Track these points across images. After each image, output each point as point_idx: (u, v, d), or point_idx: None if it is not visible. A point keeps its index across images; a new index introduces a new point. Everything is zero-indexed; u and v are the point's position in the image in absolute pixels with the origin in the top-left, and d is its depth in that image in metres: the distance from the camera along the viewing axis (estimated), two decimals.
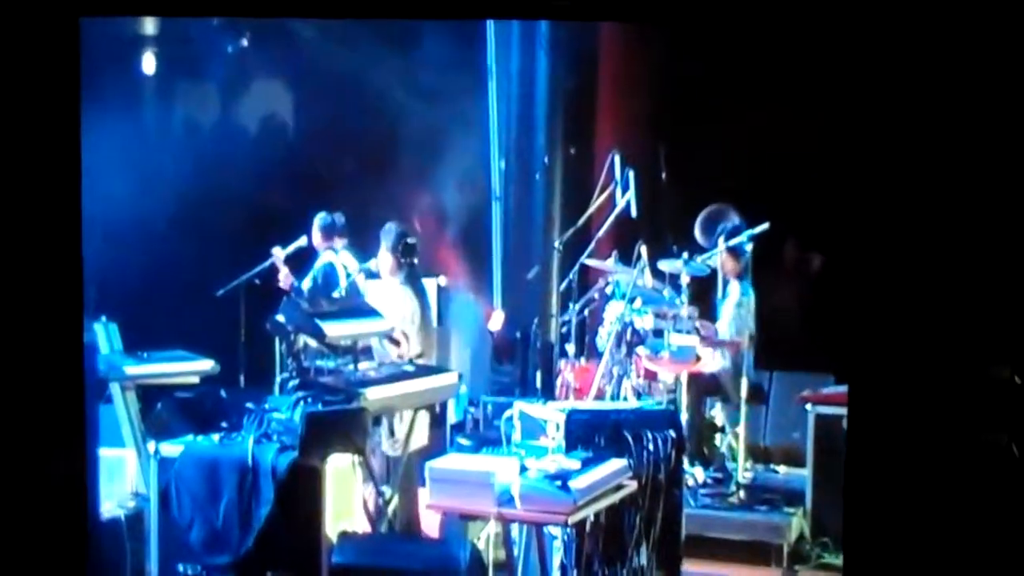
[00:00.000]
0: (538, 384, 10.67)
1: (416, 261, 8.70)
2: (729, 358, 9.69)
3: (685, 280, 9.81)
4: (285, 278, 10.08)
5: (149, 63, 11.72)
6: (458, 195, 12.31)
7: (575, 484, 6.49)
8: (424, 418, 8.37)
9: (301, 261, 10.29)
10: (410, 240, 8.66)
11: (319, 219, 10.35)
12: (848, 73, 5.66)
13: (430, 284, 10.06)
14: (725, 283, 9.92)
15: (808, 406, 9.04)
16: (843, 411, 8.68)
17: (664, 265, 10.02)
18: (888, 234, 5.75)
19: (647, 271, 9.95)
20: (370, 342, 8.35)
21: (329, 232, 10.30)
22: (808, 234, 10.89)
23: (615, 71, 12.49)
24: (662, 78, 11.91)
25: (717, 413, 9.84)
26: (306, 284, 10.23)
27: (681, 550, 7.77)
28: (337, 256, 10.34)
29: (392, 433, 8.14)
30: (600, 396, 9.69)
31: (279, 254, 10.12)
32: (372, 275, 9.26)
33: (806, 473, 8.97)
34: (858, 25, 5.35)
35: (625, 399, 9.59)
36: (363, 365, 8.06)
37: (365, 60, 11.85)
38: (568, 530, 6.71)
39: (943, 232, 5.49)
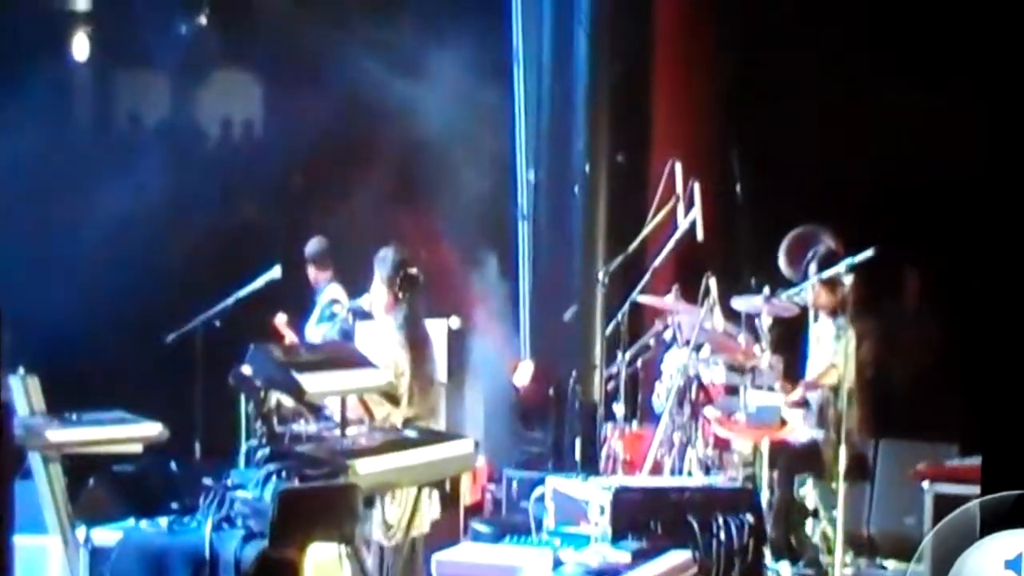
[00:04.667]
0: (577, 455, 10.66)
1: (418, 298, 8.70)
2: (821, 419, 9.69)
3: (766, 322, 9.79)
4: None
5: (81, 48, 11.80)
6: (475, 213, 12.33)
7: None
8: (431, 498, 8.36)
9: (274, 300, 10.36)
10: (412, 270, 8.67)
11: (316, 244, 10.62)
12: (996, 46, 5.67)
13: (439, 326, 10.08)
14: (816, 319, 9.91)
15: (925, 483, 8.98)
16: (971, 489, 8.66)
17: (739, 303, 10.00)
18: None
19: (717, 310, 9.93)
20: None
21: (324, 260, 10.61)
22: (925, 262, 10.87)
23: (676, 54, 12.52)
24: (737, 62, 11.92)
25: (808, 492, 9.81)
26: (312, 327, 10.43)
27: None
28: (324, 291, 10.50)
29: (391, 519, 8.13)
30: (657, 470, 9.67)
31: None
32: (364, 315, 9.27)
33: (922, 569, 8.90)
34: None
35: (690, 474, 9.56)
36: (352, 430, 8.05)
37: (355, 43, 11.91)
38: None
39: None
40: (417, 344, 8.60)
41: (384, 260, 8.71)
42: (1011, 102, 5.55)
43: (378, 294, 8.72)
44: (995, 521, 5.86)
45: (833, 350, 9.70)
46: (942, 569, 6.79)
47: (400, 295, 8.60)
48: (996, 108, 5.72)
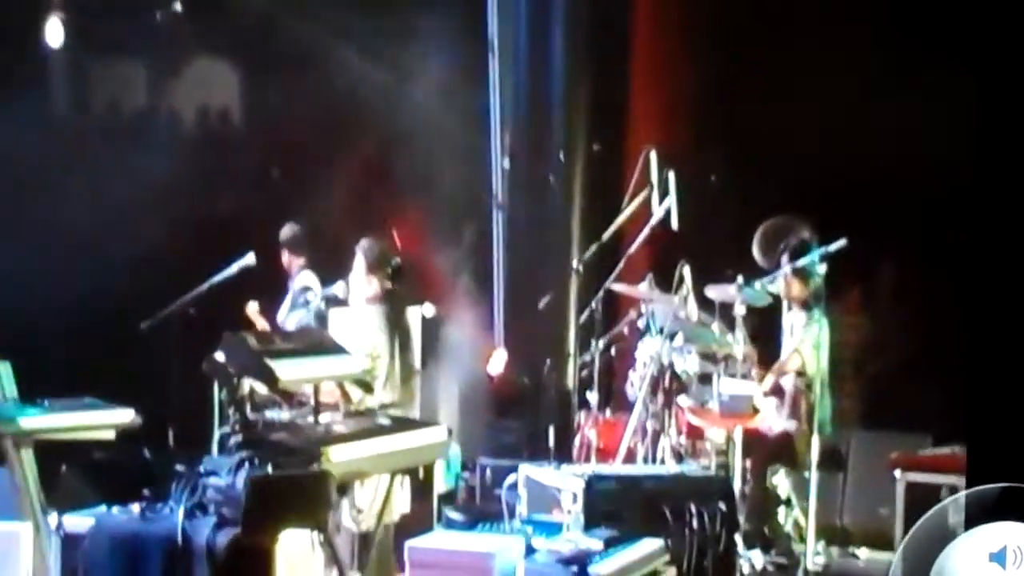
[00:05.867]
0: (550, 443, 10.67)
1: (402, 287, 8.74)
2: (795, 409, 9.71)
3: (740, 311, 9.80)
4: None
5: (55, 33, 11.74)
6: (449, 202, 12.33)
7: (597, 570, 6.49)
8: (404, 485, 8.38)
9: (249, 287, 10.35)
10: (398, 260, 8.72)
11: (289, 231, 10.65)
12: (967, 40, 5.67)
13: (413, 314, 10.10)
14: (789, 309, 9.94)
15: (898, 472, 9.02)
16: (943, 479, 8.70)
17: (713, 291, 10.02)
18: (1007, 249, 5.76)
19: (691, 299, 9.94)
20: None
21: (299, 247, 10.63)
22: (899, 251, 10.90)
23: (652, 43, 12.52)
24: (712, 51, 11.92)
25: (780, 481, 9.83)
26: (284, 314, 10.44)
27: None
28: (297, 278, 10.53)
29: (361, 504, 8.14)
30: (630, 458, 9.69)
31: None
32: (337, 301, 9.29)
33: (895, 558, 8.94)
34: None
35: (662, 462, 9.58)
36: (326, 417, 8.06)
37: (329, 31, 11.89)
38: None
39: None
40: (400, 332, 8.63)
41: (370, 249, 8.73)
42: (984, 94, 5.57)
43: (360, 282, 8.73)
44: (980, 513, 5.87)
45: (800, 337, 9.74)
46: (926, 561, 6.84)
47: (385, 284, 8.62)
48: (970, 101, 5.74)
